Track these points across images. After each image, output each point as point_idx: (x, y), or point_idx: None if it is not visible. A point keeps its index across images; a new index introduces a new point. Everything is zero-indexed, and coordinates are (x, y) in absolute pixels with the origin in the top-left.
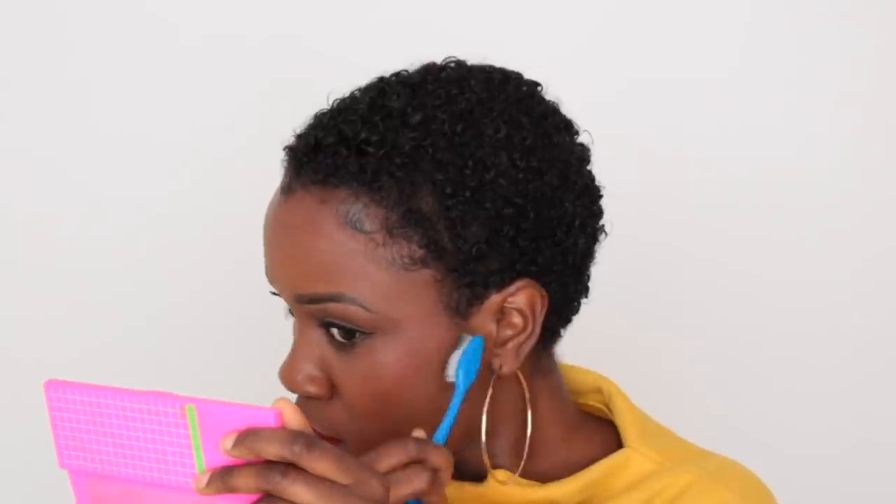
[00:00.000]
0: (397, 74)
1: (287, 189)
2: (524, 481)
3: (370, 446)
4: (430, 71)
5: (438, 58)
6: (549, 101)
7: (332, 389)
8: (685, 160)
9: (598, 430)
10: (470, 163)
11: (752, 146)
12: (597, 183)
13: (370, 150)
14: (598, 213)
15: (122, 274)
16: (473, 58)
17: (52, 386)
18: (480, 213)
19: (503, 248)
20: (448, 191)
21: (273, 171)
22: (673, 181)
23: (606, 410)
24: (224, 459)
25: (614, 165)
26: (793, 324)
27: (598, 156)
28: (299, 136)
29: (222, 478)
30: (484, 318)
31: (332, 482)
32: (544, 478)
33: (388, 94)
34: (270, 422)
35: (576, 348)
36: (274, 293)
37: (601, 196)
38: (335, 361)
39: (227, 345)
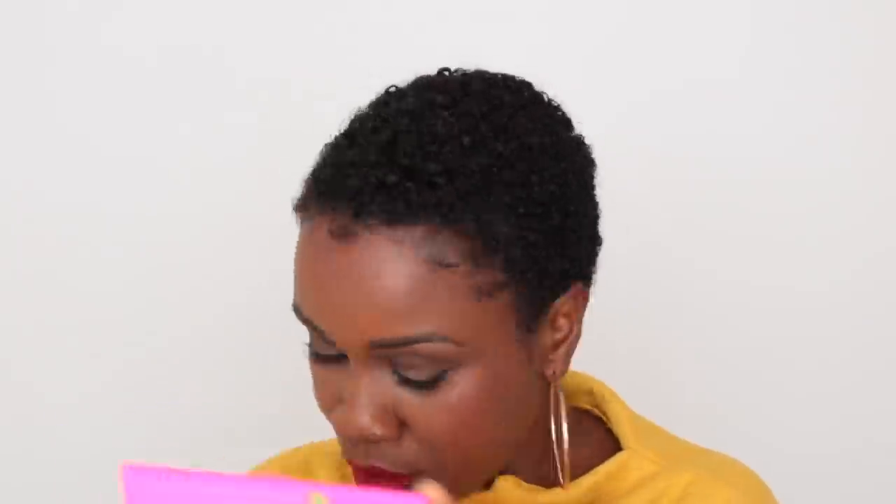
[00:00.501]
0: (410, 95)
1: (345, 234)
2: (530, 486)
3: (452, 476)
4: (447, 89)
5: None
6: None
7: (401, 428)
8: (685, 161)
9: (594, 433)
10: (533, 178)
11: (751, 146)
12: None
13: (440, 181)
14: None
15: (121, 281)
16: (471, 67)
17: (133, 472)
18: (547, 227)
19: (565, 259)
20: (521, 211)
21: (271, 176)
22: (673, 182)
23: (598, 412)
24: None
25: (615, 167)
26: (792, 324)
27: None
28: (339, 175)
29: None
30: (545, 330)
31: None
32: (547, 482)
33: (429, 118)
34: None
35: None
36: (319, 347)
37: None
38: (407, 399)
39: (232, 354)
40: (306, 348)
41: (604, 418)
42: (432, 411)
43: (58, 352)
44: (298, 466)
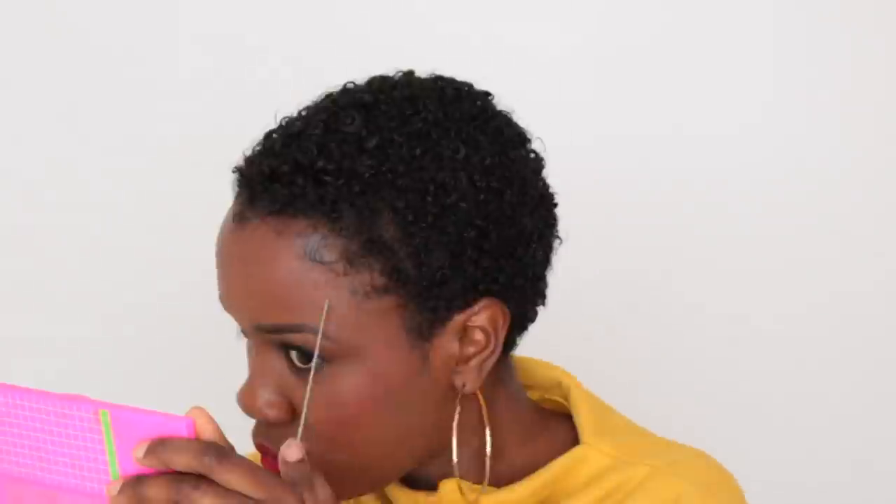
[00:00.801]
0: (347, 92)
1: (240, 217)
2: (477, 487)
3: (334, 472)
4: (381, 90)
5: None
6: (502, 112)
7: (293, 414)
8: (669, 172)
9: (559, 429)
10: (431, 187)
11: (734, 153)
12: (551, 191)
13: (328, 178)
14: (554, 223)
15: (108, 278)
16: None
17: None
18: (442, 237)
19: (466, 271)
20: (410, 217)
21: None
22: (670, 187)
23: (567, 406)
24: (137, 468)
25: (614, 172)
26: (789, 329)
27: (593, 163)
28: (250, 162)
29: (133, 487)
30: (446, 339)
31: (245, 496)
32: (505, 482)
33: (342, 117)
34: (183, 431)
35: (580, 351)
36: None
37: (556, 204)
38: (295, 386)
39: (214, 349)
40: None
41: (564, 409)
42: (317, 403)
43: (56, 350)
44: None
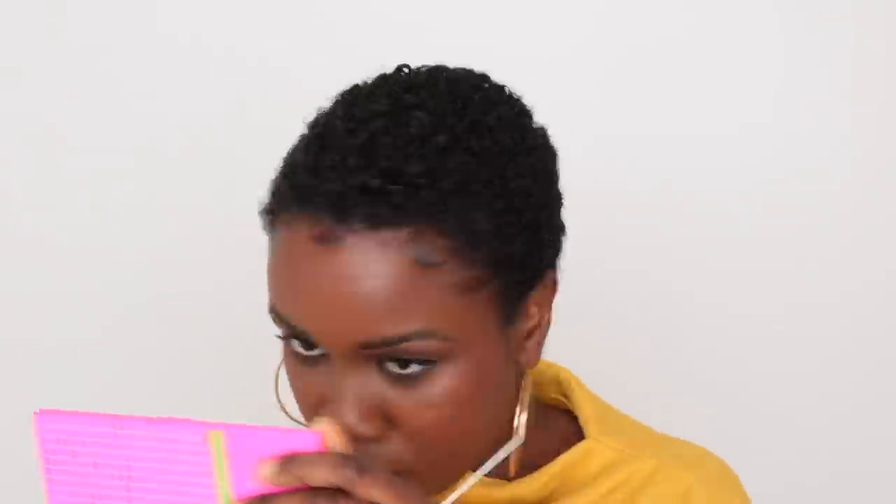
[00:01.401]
0: (378, 93)
1: (328, 238)
2: (489, 480)
3: (437, 471)
4: (421, 87)
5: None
6: (516, 95)
7: (387, 426)
8: (672, 168)
9: (559, 423)
10: (508, 173)
11: (749, 149)
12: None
13: (421, 182)
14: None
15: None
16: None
17: (45, 417)
18: (524, 222)
19: (540, 251)
20: (499, 206)
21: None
22: (670, 187)
23: (566, 402)
24: (252, 488)
25: (613, 172)
26: (789, 330)
27: (593, 163)
28: (322, 180)
29: None
30: (521, 320)
31: None
32: (513, 476)
33: (404, 119)
34: (312, 445)
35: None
36: (301, 346)
37: None
38: (394, 397)
39: (225, 349)
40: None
41: (571, 408)
42: (419, 407)
43: (66, 353)
44: None
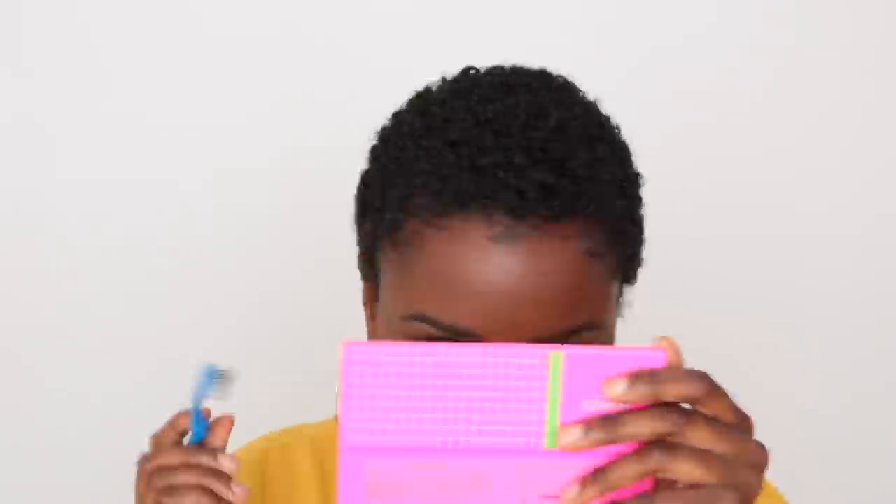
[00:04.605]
0: (488, 90)
1: (508, 238)
2: None
3: None
4: (534, 84)
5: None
6: None
7: None
8: (689, 161)
9: None
10: (627, 158)
11: (753, 148)
12: None
13: (584, 173)
14: None
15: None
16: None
17: (354, 350)
18: (639, 203)
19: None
20: (631, 193)
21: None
22: (677, 181)
23: None
24: (581, 413)
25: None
26: (793, 327)
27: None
28: (483, 181)
29: (605, 427)
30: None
31: (729, 426)
32: None
33: (543, 115)
34: (660, 362)
35: None
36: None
37: None
38: None
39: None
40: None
41: None
42: None
43: (68, 352)
44: (280, 449)
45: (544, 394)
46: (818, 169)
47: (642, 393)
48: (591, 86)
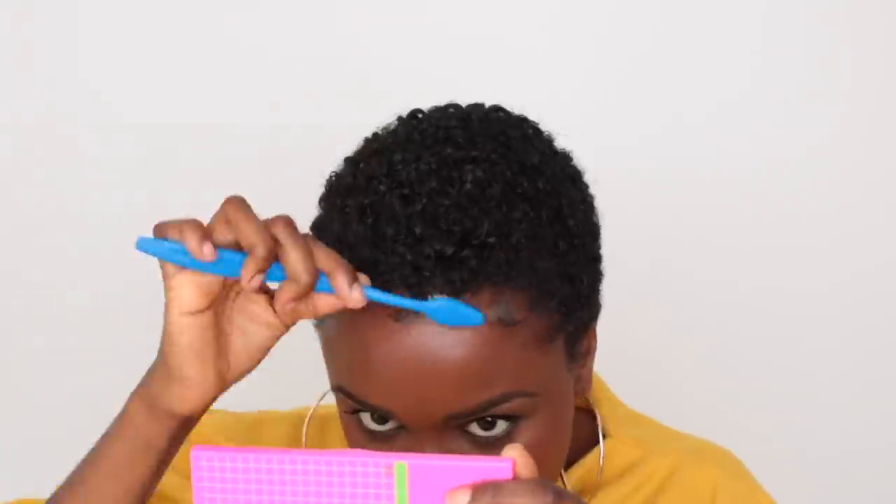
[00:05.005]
0: (416, 144)
1: (409, 315)
2: None
3: None
4: (458, 135)
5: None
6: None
7: None
8: (684, 163)
9: (578, 422)
10: (564, 212)
11: (752, 150)
12: None
13: (492, 241)
14: None
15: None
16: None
17: (202, 454)
18: (586, 257)
19: (599, 283)
20: (563, 248)
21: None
22: (674, 187)
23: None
24: None
25: (614, 170)
26: (796, 326)
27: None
28: (381, 255)
29: None
30: (581, 354)
31: None
32: None
33: (454, 176)
34: (504, 473)
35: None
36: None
37: None
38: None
39: None
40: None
41: (588, 405)
42: None
43: (68, 352)
44: (249, 425)
45: (392, 503)
46: (827, 170)
47: None
48: (589, 88)
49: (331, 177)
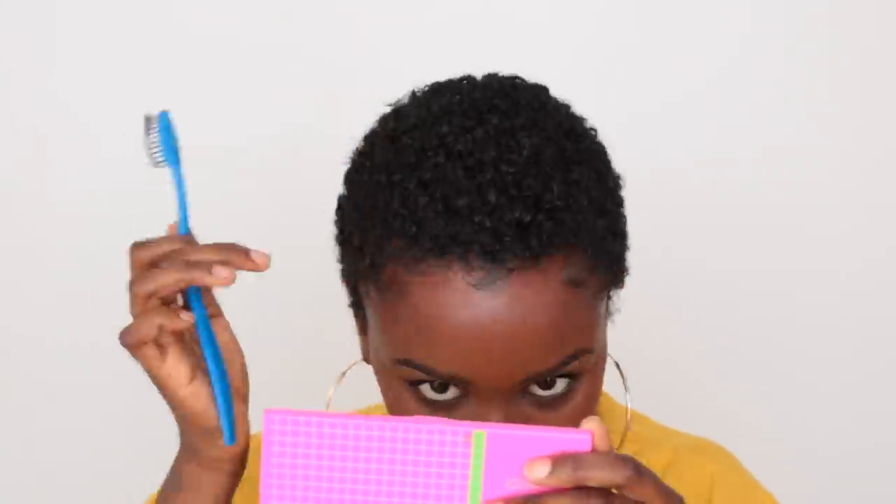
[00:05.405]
0: (459, 116)
1: (488, 282)
2: None
3: None
4: (501, 105)
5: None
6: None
7: None
8: (690, 159)
9: None
10: (606, 179)
11: (754, 144)
12: None
13: (560, 204)
14: None
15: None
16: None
17: (275, 418)
18: (621, 219)
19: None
20: (610, 210)
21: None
22: (675, 181)
23: None
24: (504, 491)
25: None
26: (800, 321)
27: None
28: (457, 225)
29: None
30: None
31: None
32: None
33: (512, 142)
34: (584, 446)
35: None
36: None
37: None
38: (539, 419)
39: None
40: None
41: None
42: (562, 421)
43: (67, 353)
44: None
45: (468, 471)
46: (822, 169)
47: (565, 478)
48: (589, 76)
49: (357, 154)
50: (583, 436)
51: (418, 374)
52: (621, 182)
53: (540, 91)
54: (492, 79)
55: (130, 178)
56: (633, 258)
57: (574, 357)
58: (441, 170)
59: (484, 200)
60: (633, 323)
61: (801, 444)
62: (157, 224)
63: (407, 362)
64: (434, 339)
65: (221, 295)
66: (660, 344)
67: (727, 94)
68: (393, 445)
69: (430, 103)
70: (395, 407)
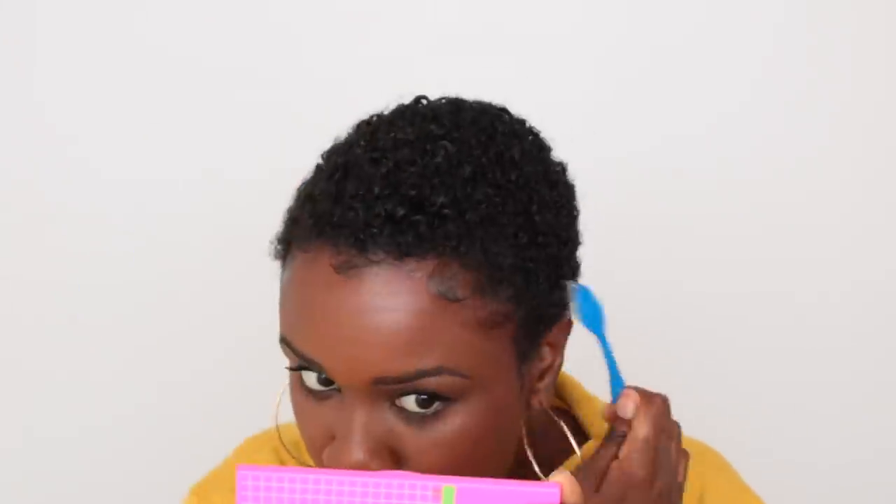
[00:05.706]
0: (398, 123)
1: (348, 266)
2: None
3: None
4: (444, 117)
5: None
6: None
7: (396, 462)
8: (685, 167)
9: (558, 425)
10: (533, 207)
11: (754, 151)
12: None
13: (448, 213)
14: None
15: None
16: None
17: (247, 474)
18: (546, 256)
19: (560, 288)
20: (523, 240)
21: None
22: (675, 191)
23: (560, 401)
24: None
25: (612, 174)
26: (796, 337)
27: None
28: (344, 209)
29: None
30: (535, 359)
31: None
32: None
33: (429, 149)
34: (554, 499)
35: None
36: (320, 384)
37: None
38: (404, 433)
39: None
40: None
41: (567, 407)
42: (430, 445)
43: (67, 354)
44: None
45: None
46: (821, 178)
47: None
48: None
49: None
50: (551, 489)
51: (294, 357)
52: (570, 229)
53: (504, 121)
54: (474, 102)
55: (131, 179)
56: (628, 263)
57: (436, 373)
58: (354, 159)
59: (368, 189)
60: (624, 326)
61: (791, 456)
62: (157, 224)
63: (282, 339)
64: (300, 321)
65: (225, 292)
66: (651, 348)
67: (727, 113)
68: (364, 500)
69: (398, 108)
70: (290, 396)
